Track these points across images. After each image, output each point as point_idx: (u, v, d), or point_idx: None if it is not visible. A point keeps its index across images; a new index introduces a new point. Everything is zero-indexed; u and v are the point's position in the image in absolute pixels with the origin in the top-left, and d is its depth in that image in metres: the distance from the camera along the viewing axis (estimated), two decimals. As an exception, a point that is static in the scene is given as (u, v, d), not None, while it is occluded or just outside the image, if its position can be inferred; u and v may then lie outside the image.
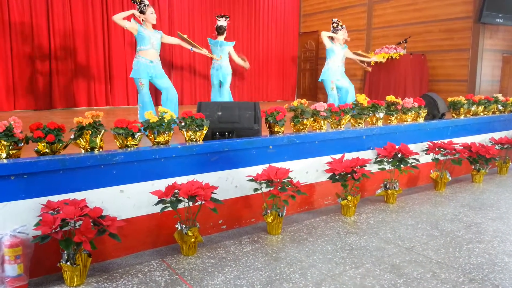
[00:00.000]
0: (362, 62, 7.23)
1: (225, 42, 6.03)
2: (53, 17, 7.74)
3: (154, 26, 4.85)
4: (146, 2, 4.61)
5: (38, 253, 2.56)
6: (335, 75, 6.25)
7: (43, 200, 2.58)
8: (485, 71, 8.19)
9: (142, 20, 4.64)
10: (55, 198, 2.61)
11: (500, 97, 6.21)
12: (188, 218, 2.96)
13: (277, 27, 11.16)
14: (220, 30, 6.01)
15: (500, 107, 6.18)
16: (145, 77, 4.65)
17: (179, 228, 2.93)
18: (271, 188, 3.26)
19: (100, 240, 2.67)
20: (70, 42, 7.98)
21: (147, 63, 4.62)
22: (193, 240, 2.90)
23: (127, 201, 2.93)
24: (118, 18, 4.51)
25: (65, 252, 2.45)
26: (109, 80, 8.57)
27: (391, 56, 8.54)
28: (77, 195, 2.70)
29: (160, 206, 2.88)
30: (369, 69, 7.52)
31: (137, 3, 4.62)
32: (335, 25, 6.32)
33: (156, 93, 7.71)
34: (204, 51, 5.69)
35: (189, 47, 5.60)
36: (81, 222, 2.44)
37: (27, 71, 7.58)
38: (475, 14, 7.93)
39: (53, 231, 2.36)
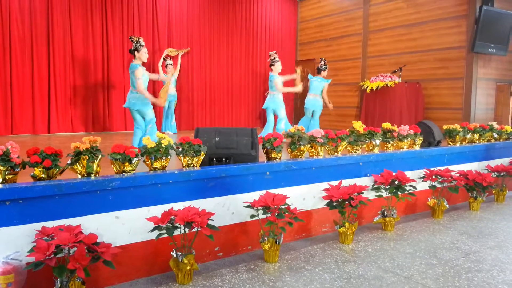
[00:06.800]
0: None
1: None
2: (53, 42, 7.85)
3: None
4: (142, 43, 5.02)
5: (31, 280, 2.50)
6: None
7: (38, 226, 2.54)
8: (480, 99, 8.31)
9: (135, 57, 4.99)
10: (50, 224, 2.58)
11: (495, 125, 6.28)
12: (184, 245, 2.92)
13: (275, 54, 11.35)
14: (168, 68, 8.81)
15: (496, 135, 6.24)
16: (138, 108, 4.99)
17: (175, 255, 2.88)
18: (268, 215, 3.24)
19: (94, 267, 2.62)
20: (69, 67, 8.07)
21: (141, 96, 4.95)
22: (188, 268, 2.86)
23: (123, 227, 2.90)
24: (143, 88, 4.90)
25: (58, 279, 2.41)
26: (107, 105, 8.62)
27: (387, 84, 8.66)
28: (72, 221, 2.66)
29: (156, 232, 2.84)
30: (331, 106, 7.33)
31: (134, 42, 5.00)
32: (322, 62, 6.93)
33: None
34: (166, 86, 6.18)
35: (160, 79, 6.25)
36: (75, 248, 2.41)
37: (25, 95, 7.63)
38: (468, 44, 8.12)
39: (47, 257, 2.32)
